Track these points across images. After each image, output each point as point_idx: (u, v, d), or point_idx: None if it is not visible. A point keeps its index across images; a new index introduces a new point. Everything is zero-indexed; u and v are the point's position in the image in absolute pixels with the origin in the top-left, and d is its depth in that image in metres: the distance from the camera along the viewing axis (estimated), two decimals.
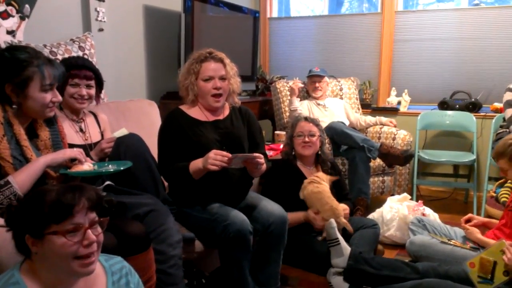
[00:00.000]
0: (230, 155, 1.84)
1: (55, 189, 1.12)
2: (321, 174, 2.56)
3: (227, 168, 1.89)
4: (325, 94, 3.69)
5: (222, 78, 2.07)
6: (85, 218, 1.12)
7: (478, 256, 1.96)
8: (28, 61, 1.53)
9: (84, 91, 2.02)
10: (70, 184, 1.17)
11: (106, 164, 1.76)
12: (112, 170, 1.68)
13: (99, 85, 2.12)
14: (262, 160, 1.94)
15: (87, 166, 1.63)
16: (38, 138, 1.65)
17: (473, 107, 3.70)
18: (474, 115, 3.65)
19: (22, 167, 1.51)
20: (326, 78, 3.69)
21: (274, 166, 2.62)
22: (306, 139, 2.59)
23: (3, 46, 2.09)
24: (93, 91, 2.07)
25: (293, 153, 2.69)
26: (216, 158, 1.84)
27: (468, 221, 2.36)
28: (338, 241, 2.22)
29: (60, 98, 1.64)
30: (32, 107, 1.57)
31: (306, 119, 2.72)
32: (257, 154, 1.91)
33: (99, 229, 1.16)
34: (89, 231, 1.11)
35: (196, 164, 1.93)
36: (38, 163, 1.52)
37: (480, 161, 3.71)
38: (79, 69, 2.01)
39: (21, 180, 1.47)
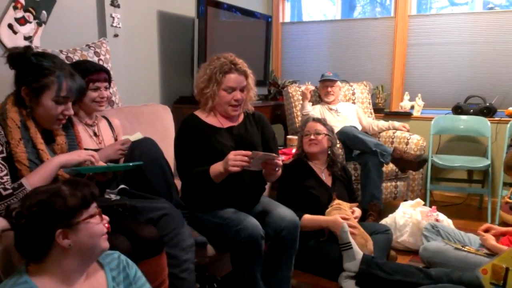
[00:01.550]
0: (250, 153, 1.85)
1: (60, 184, 1.21)
2: (342, 201, 2.57)
3: (244, 171, 1.89)
4: (337, 98, 3.68)
5: (242, 89, 2.10)
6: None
7: (490, 263, 1.94)
8: (50, 70, 1.56)
9: (104, 93, 2.05)
10: (73, 179, 1.28)
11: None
12: (121, 166, 1.71)
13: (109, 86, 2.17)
14: (281, 162, 1.95)
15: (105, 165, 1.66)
16: (54, 143, 1.68)
17: (487, 111, 3.65)
18: (489, 120, 3.61)
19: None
20: (338, 83, 3.68)
21: (287, 168, 2.63)
22: (312, 136, 2.64)
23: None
24: (109, 92, 2.11)
25: (304, 153, 2.72)
26: (236, 159, 1.84)
27: (487, 230, 2.33)
28: (351, 245, 2.22)
29: (72, 112, 1.65)
30: (41, 115, 1.60)
31: (314, 119, 2.77)
32: (275, 155, 1.93)
33: None
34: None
35: (217, 167, 1.93)
36: (52, 164, 1.53)
37: (495, 167, 3.66)
38: (98, 72, 2.04)
39: (34, 182, 1.48)
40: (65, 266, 1.18)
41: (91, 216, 1.21)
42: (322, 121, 2.74)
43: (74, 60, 2.31)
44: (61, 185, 1.20)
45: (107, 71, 2.10)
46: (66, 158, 1.57)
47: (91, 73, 2.01)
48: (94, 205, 1.23)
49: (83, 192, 1.20)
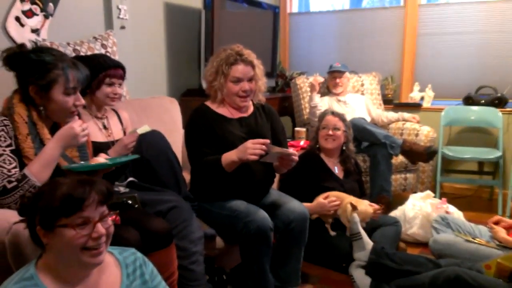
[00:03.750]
0: (268, 141, 1.85)
1: (67, 182, 1.14)
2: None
3: (254, 162, 1.88)
4: (346, 90, 3.65)
5: (250, 80, 2.08)
6: (95, 212, 1.14)
7: (495, 260, 1.91)
8: (54, 64, 1.53)
9: (118, 90, 2.04)
10: (82, 178, 1.18)
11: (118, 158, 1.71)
12: (117, 161, 1.63)
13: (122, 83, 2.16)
14: (296, 158, 1.94)
15: (103, 160, 1.61)
16: None
17: (499, 102, 3.61)
18: (500, 111, 3.56)
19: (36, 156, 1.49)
20: (347, 74, 3.65)
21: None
22: (330, 132, 2.61)
23: (28, 44, 2.13)
24: (122, 90, 2.09)
25: (317, 145, 2.70)
26: (255, 147, 1.83)
27: (496, 223, 2.30)
28: (360, 235, 2.24)
29: (83, 102, 1.63)
30: (54, 110, 1.57)
31: (333, 113, 2.74)
32: (292, 151, 1.92)
33: (109, 222, 1.18)
34: (99, 224, 1.14)
35: (229, 156, 1.92)
36: (49, 148, 1.49)
37: (506, 158, 3.62)
38: (115, 68, 2.02)
39: (36, 169, 1.46)
40: (59, 264, 1.14)
41: (72, 225, 1.10)
42: (341, 116, 2.70)
43: (81, 53, 2.31)
44: (67, 182, 1.13)
45: (123, 69, 2.08)
46: (61, 139, 1.51)
47: (109, 67, 1.99)
48: (84, 214, 1.11)
49: (70, 197, 1.09)
